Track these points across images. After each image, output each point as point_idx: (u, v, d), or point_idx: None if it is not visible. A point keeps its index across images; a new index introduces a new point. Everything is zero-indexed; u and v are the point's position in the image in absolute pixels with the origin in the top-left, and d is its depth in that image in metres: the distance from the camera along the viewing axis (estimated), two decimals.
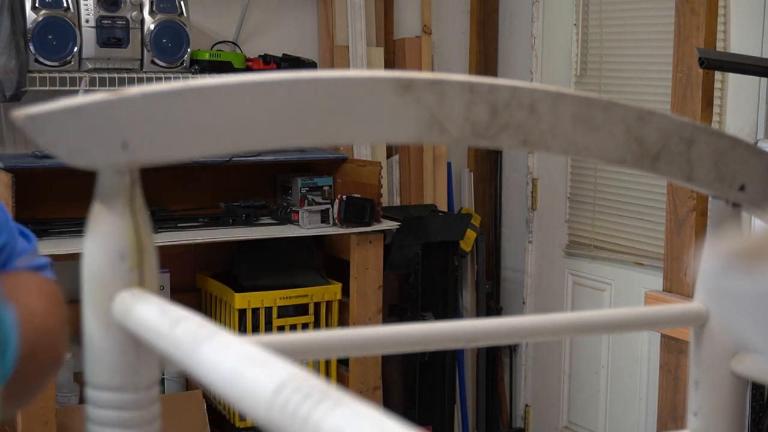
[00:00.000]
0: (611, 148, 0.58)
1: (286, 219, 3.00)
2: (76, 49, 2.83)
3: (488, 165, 3.81)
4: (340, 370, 3.17)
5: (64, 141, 0.45)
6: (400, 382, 3.45)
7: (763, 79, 2.71)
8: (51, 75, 2.80)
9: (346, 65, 3.42)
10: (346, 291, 3.06)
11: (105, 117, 0.45)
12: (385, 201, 3.34)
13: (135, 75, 2.93)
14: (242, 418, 2.93)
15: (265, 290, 2.95)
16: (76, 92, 2.84)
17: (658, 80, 3.01)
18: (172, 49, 2.95)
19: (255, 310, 2.93)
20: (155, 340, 0.42)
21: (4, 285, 0.77)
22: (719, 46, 2.64)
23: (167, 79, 3.00)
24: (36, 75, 2.78)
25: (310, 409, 0.29)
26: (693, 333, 0.67)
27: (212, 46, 3.21)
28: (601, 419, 3.42)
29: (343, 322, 3.08)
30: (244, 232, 2.92)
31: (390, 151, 3.56)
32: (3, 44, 2.70)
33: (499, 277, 3.81)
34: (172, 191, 3.10)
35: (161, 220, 2.87)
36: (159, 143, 0.46)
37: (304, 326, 3.01)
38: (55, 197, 2.91)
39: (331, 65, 3.42)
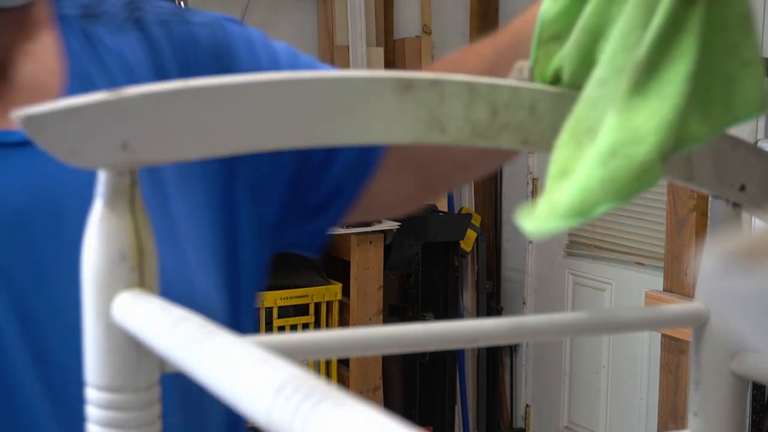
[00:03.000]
0: None
1: None
2: None
3: None
4: (340, 370, 3.17)
5: (64, 141, 0.45)
6: (401, 382, 3.45)
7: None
8: None
9: (346, 65, 3.42)
10: (346, 291, 3.05)
11: (105, 117, 0.45)
12: None
13: None
14: None
15: (265, 290, 2.95)
16: None
17: None
18: None
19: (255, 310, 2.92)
20: (155, 340, 0.42)
21: None
22: None
23: None
24: None
25: (310, 409, 0.28)
26: (693, 333, 0.66)
27: None
28: (602, 419, 3.42)
29: (343, 322, 3.08)
30: None
31: None
32: None
33: (499, 277, 3.81)
34: None
35: None
36: (159, 143, 0.46)
37: (305, 326, 3.01)
38: None
39: (331, 65, 3.42)
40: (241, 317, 0.87)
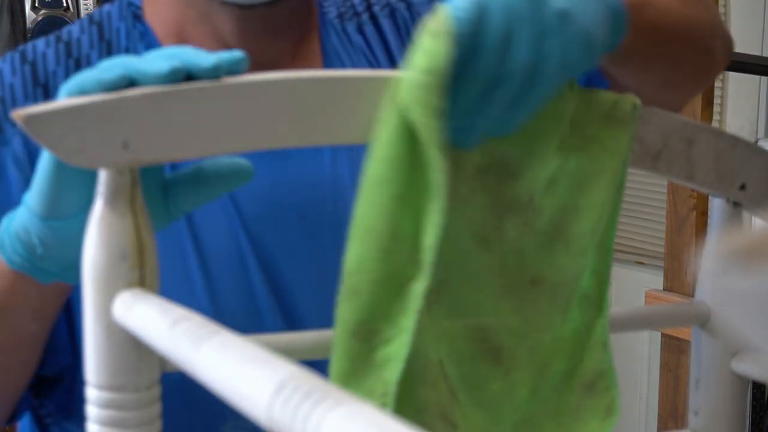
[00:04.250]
0: None
1: None
2: None
3: None
4: None
5: (65, 141, 0.45)
6: None
7: (764, 79, 2.71)
8: None
9: None
10: None
11: (105, 117, 0.45)
12: None
13: None
14: None
15: None
16: None
17: None
18: None
19: None
20: (155, 339, 0.42)
21: None
22: None
23: None
24: None
25: (310, 408, 0.28)
26: (693, 332, 0.67)
27: None
28: None
29: None
30: None
31: None
32: (2, 44, 2.70)
33: None
34: None
35: None
36: (160, 143, 0.46)
37: None
38: None
39: None
40: None
